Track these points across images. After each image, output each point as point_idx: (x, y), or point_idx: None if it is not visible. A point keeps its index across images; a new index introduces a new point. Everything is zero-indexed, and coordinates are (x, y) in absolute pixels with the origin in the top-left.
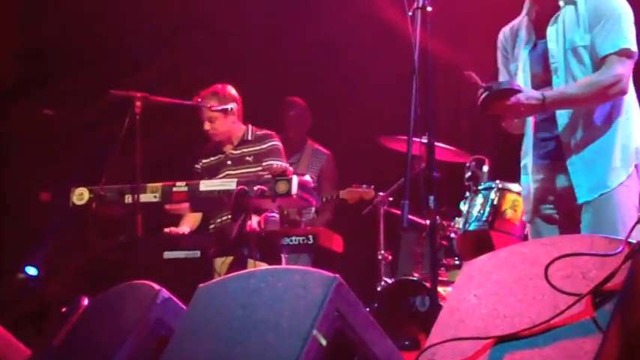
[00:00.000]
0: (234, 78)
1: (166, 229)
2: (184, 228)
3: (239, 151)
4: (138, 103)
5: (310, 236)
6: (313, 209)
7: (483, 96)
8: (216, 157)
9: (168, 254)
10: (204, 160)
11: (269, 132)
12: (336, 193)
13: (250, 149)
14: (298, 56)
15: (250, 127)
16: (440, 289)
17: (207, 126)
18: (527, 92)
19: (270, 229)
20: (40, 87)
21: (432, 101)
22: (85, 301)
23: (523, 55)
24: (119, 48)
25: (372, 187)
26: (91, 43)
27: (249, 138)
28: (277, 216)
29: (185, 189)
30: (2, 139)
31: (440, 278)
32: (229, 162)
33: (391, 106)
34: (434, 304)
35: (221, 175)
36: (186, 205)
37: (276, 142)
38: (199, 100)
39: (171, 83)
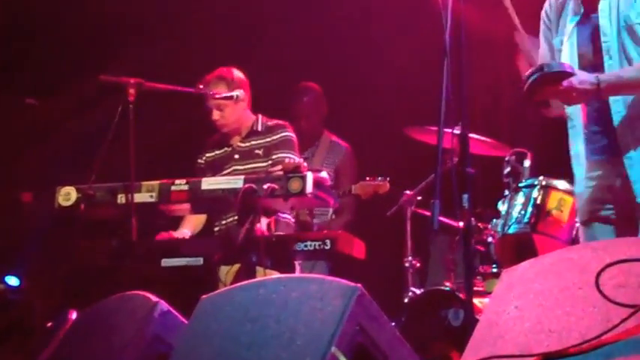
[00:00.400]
0: (239, 60)
1: (164, 234)
2: (184, 231)
3: (247, 144)
4: (131, 91)
5: (327, 241)
6: (331, 210)
7: (532, 79)
8: (222, 151)
9: (166, 261)
10: (208, 154)
11: (281, 122)
12: (348, 188)
13: (260, 141)
14: (312, 35)
15: (260, 116)
16: (475, 300)
17: (215, 115)
18: (580, 75)
19: (282, 232)
20: (20, 73)
21: (465, 86)
22: (73, 315)
23: (569, 28)
24: (111, 28)
25: (388, 179)
26: (80, 22)
27: (259, 129)
28: (291, 218)
29: (185, 187)
30: None
31: (475, 288)
32: (237, 156)
33: (419, 93)
34: (469, 318)
35: (227, 171)
36: (186, 205)
37: (289, 134)
38: (201, 86)
39: (168, 67)
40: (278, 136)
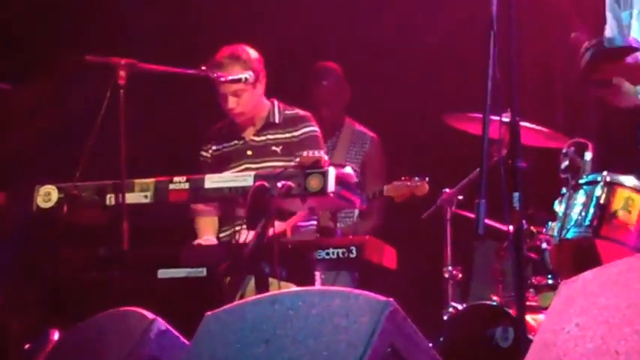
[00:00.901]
0: (243, 36)
1: (196, 242)
2: (210, 239)
3: (263, 138)
4: (122, 73)
5: (353, 248)
6: (356, 212)
7: (589, 55)
8: (232, 144)
9: (163, 272)
10: (214, 147)
11: (302, 113)
12: (379, 189)
13: (278, 136)
14: (332, 4)
15: (276, 103)
16: (528, 317)
17: (231, 103)
18: None
19: (301, 238)
20: None
21: (515, 66)
22: (55, 336)
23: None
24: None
25: (427, 179)
26: None
27: (276, 120)
28: (314, 223)
29: (186, 186)
30: None
31: (528, 303)
32: (249, 152)
33: (460, 74)
34: (520, 338)
35: (237, 169)
36: (213, 206)
37: (314, 128)
38: (204, 67)
39: (162, 45)
40: (301, 132)
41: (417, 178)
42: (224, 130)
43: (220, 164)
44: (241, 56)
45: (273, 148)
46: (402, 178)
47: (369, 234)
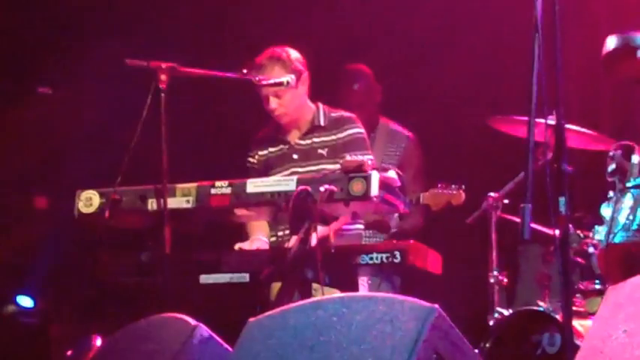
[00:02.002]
0: (275, 37)
1: (237, 247)
2: (260, 239)
3: (308, 141)
4: (163, 77)
5: (397, 252)
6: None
7: (609, 50)
8: (277, 149)
9: (206, 278)
10: (260, 152)
11: (347, 115)
12: (416, 197)
13: (324, 139)
14: (371, 5)
15: (321, 106)
16: (575, 322)
17: (273, 104)
18: None
19: (344, 243)
20: (32, 58)
21: (560, 68)
22: (97, 342)
23: None
24: (138, 3)
25: (463, 187)
26: None
27: (322, 123)
28: (360, 227)
29: (227, 191)
30: None
31: (575, 308)
32: (295, 155)
33: (504, 76)
34: (567, 344)
35: (284, 173)
36: (264, 209)
37: (360, 130)
38: (247, 71)
39: (203, 49)
40: (346, 133)
41: (453, 187)
42: (269, 135)
43: (267, 169)
44: (281, 57)
45: (319, 151)
46: (439, 186)
47: (408, 233)
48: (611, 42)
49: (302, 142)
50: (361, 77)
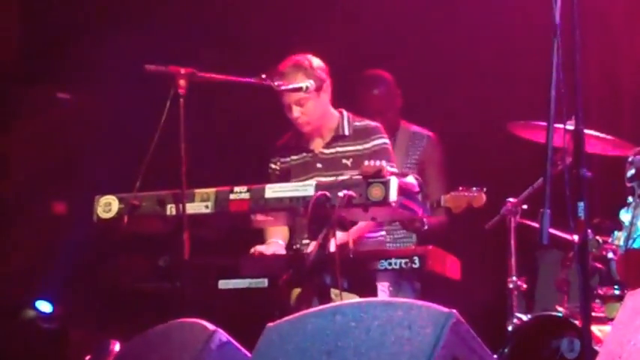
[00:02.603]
0: (292, 42)
1: (253, 250)
2: (276, 242)
3: (332, 150)
4: (182, 82)
5: (416, 258)
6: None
7: None
8: (300, 157)
9: (224, 283)
10: (282, 159)
11: (373, 124)
12: (436, 200)
13: (348, 148)
14: (390, 8)
15: (345, 114)
16: (594, 328)
17: (295, 112)
18: None
19: (364, 249)
20: (51, 63)
21: (579, 73)
22: (116, 347)
23: None
24: (158, 8)
25: (484, 190)
26: (121, 2)
27: (346, 132)
28: (383, 234)
29: (246, 196)
30: (3, 131)
31: (594, 314)
32: (319, 165)
33: (523, 80)
34: (586, 349)
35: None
36: (280, 215)
37: (385, 140)
38: (264, 76)
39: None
40: (372, 144)
41: (474, 189)
42: (292, 142)
43: (289, 177)
44: (304, 65)
45: (344, 160)
46: (460, 188)
47: (434, 231)
48: None
49: (326, 151)
50: (381, 83)
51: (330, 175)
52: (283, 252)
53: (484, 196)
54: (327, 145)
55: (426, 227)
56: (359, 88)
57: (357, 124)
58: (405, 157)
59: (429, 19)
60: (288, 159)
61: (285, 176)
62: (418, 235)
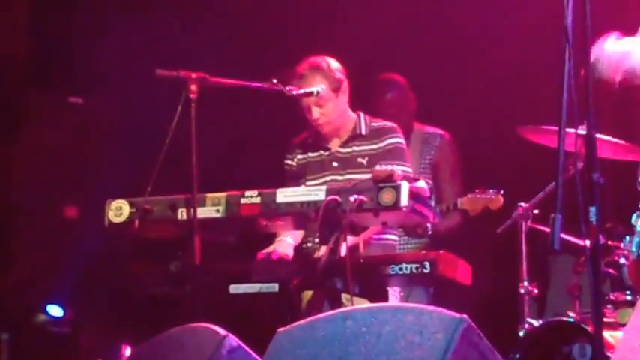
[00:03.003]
0: (306, 45)
1: (264, 252)
2: (287, 240)
3: (349, 150)
4: (193, 87)
5: (426, 263)
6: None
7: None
8: (317, 154)
9: (235, 287)
10: (300, 156)
11: (389, 125)
12: (453, 203)
13: (364, 147)
14: (398, 13)
15: (363, 116)
16: (606, 333)
17: (315, 113)
18: None
19: (374, 253)
20: (63, 67)
21: (591, 77)
22: (127, 351)
23: None
24: (172, 12)
25: (501, 192)
26: (132, 5)
27: (363, 132)
28: (394, 237)
29: (257, 200)
30: (14, 135)
31: (605, 319)
32: (335, 163)
33: (534, 85)
34: (597, 355)
35: (322, 180)
36: (287, 219)
37: (399, 140)
38: (275, 80)
39: (234, 59)
40: (386, 142)
41: (491, 191)
42: (309, 139)
43: (305, 174)
44: (321, 67)
45: (359, 159)
46: (476, 191)
47: (449, 233)
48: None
49: (343, 150)
50: (395, 86)
51: (345, 174)
52: (290, 251)
53: (501, 199)
54: (344, 145)
55: (429, 233)
56: (373, 92)
57: (374, 124)
58: (420, 158)
59: (440, 23)
60: (305, 156)
61: (301, 173)
62: (430, 238)
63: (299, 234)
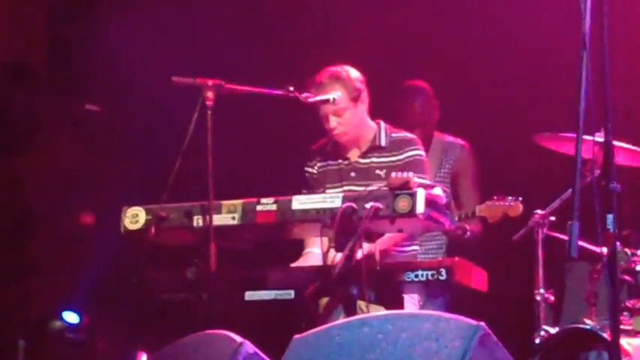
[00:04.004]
0: (326, 53)
1: (294, 265)
2: (314, 251)
3: (368, 160)
4: (209, 94)
5: (442, 270)
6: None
7: None
8: (336, 163)
9: (251, 295)
10: (319, 163)
11: (409, 136)
12: (471, 210)
13: (383, 159)
14: (419, 22)
15: (383, 125)
16: (622, 341)
17: (332, 122)
18: None
19: (390, 260)
20: (79, 75)
21: (609, 84)
22: (143, 358)
23: None
24: (187, 21)
25: (520, 199)
26: (148, 13)
27: (382, 143)
28: (416, 248)
29: (273, 207)
30: (31, 143)
31: (622, 326)
32: (353, 174)
33: (551, 92)
34: None
35: (340, 189)
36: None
37: (419, 152)
38: (291, 88)
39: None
40: (405, 155)
41: (510, 198)
42: (328, 147)
43: (325, 181)
44: (341, 76)
45: (377, 171)
46: (495, 198)
47: (476, 236)
48: None
49: (362, 160)
50: (421, 94)
51: (363, 185)
52: (319, 262)
53: (521, 206)
54: (363, 155)
55: (468, 234)
56: (398, 99)
57: (394, 135)
58: (439, 167)
59: (457, 30)
60: (325, 163)
61: (321, 181)
62: (454, 244)
63: (325, 240)
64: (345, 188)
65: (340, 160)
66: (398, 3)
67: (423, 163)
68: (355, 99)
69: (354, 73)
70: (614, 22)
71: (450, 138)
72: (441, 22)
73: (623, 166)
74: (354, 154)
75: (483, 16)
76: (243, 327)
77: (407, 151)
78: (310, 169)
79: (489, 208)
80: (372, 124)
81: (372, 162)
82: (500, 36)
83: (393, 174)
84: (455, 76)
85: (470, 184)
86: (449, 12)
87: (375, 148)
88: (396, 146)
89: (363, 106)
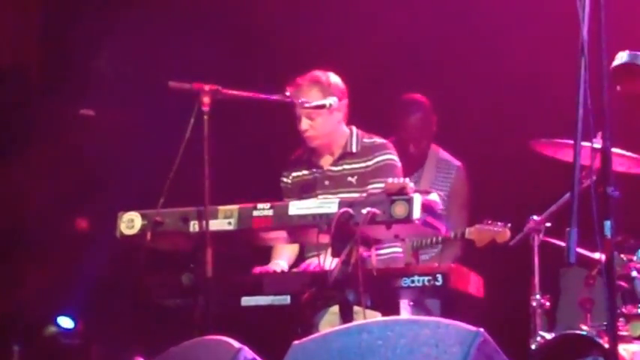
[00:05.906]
0: (324, 63)
1: (256, 270)
2: (280, 263)
3: (340, 168)
4: (206, 99)
5: (439, 275)
6: (440, 246)
7: (617, 63)
8: (309, 172)
9: (247, 300)
10: (294, 174)
11: (380, 141)
12: (460, 231)
13: (354, 166)
14: (413, 30)
15: (355, 131)
16: (620, 347)
17: (304, 125)
18: None
19: (386, 266)
20: (74, 79)
21: (607, 90)
22: None
23: None
24: (182, 25)
25: (509, 225)
26: (144, 18)
27: (354, 149)
28: (399, 250)
29: (270, 213)
30: (26, 148)
31: (618, 332)
32: (327, 182)
33: (548, 98)
34: None
35: (315, 199)
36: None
37: (391, 156)
38: (290, 91)
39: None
40: (376, 160)
41: (499, 224)
42: (304, 157)
43: (300, 191)
44: (321, 82)
45: (349, 178)
46: (485, 222)
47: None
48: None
49: (334, 168)
50: (419, 108)
51: (336, 193)
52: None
53: (508, 232)
54: (335, 163)
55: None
56: (396, 113)
57: (365, 140)
58: (434, 182)
59: (450, 37)
60: (300, 173)
61: (297, 190)
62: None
63: (293, 256)
64: (320, 197)
65: (314, 169)
66: (393, 13)
67: (395, 167)
68: (324, 106)
69: (334, 79)
70: (613, 26)
71: (445, 155)
72: (435, 30)
73: (621, 173)
74: (326, 162)
75: (477, 21)
76: (238, 332)
77: (377, 156)
78: (285, 179)
79: (479, 231)
80: (346, 129)
81: (344, 169)
82: (497, 41)
83: (390, 180)
84: (451, 82)
85: (459, 207)
86: (444, 20)
87: (346, 155)
88: (367, 152)
89: (339, 114)
